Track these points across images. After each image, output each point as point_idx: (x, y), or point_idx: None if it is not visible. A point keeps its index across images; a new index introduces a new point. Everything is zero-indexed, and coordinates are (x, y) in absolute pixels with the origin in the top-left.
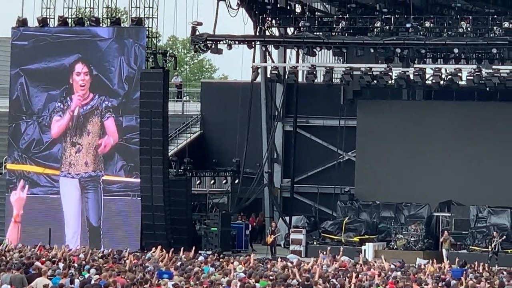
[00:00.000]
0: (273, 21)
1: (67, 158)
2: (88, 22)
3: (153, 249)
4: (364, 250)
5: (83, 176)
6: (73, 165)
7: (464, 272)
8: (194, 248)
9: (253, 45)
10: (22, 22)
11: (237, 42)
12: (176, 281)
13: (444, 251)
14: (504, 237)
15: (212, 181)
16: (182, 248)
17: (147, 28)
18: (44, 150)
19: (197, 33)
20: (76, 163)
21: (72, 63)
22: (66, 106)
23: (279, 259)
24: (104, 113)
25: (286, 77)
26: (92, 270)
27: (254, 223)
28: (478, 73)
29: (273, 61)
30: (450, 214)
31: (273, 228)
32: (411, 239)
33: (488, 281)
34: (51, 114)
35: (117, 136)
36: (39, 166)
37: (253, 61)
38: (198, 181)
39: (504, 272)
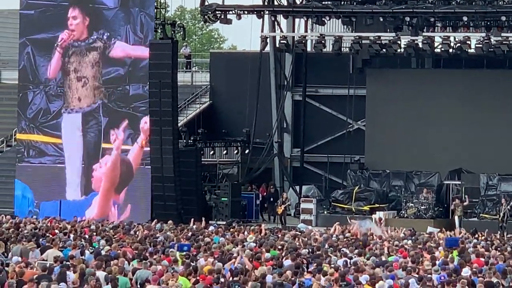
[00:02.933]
0: None
1: (74, 94)
2: None
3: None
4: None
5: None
6: (81, 99)
7: (460, 240)
8: (204, 218)
9: (262, 15)
10: None
11: (246, 12)
12: None
13: (456, 218)
14: None
15: (225, 152)
16: (192, 219)
17: None
18: (51, 120)
19: (206, 3)
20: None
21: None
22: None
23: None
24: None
25: (295, 46)
26: (102, 242)
27: (265, 193)
28: (487, 41)
29: (282, 31)
30: (460, 182)
31: (283, 199)
32: (422, 207)
33: (499, 248)
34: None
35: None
36: (47, 135)
37: (262, 31)
38: (212, 152)
39: None
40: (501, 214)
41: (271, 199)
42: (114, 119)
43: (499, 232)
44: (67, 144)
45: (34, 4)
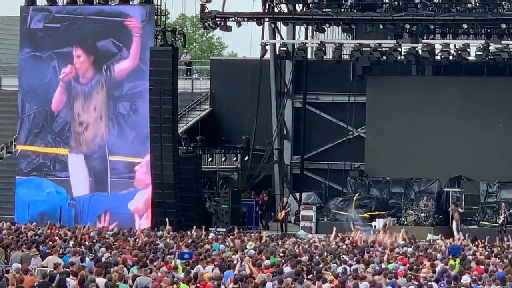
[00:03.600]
0: None
1: (78, 136)
2: (97, 0)
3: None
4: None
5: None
6: (81, 143)
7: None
8: (204, 226)
9: (262, 22)
10: (31, 1)
11: (246, 19)
12: None
13: (454, 223)
14: None
15: (224, 158)
16: (194, 227)
17: (156, 6)
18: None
19: (206, 10)
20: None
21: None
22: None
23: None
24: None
25: (295, 53)
26: (102, 249)
27: (264, 200)
28: (487, 48)
29: (282, 38)
30: (460, 190)
31: (283, 204)
32: (421, 214)
33: (499, 256)
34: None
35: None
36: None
37: (262, 38)
38: (210, 159)
39: None
40: (501, 219)
41: (264, 207)
42: None
43: (498, 237)
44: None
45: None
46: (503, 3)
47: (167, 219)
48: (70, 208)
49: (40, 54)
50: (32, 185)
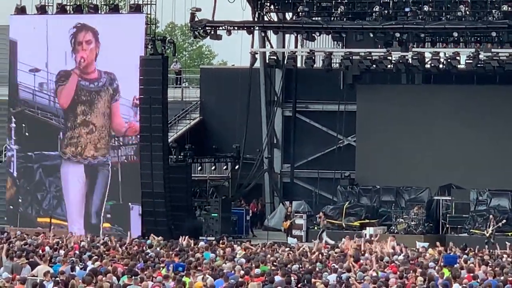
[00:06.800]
0: (272, 6)
1: (75, 138)
2: (86, 9)
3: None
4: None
5: (91, 161)
6: (81, 147)
7: (459, 258)
8: (194, 234)
9: (252, 31)
10: (21, 10)
11: (236, 28)
12: None
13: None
14: (504, 220)
15: (213, 167)
16: (187, 237)
17: (146, 15)
18: None
19: (196, 19)
20: (86, 145)
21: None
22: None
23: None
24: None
25: (285, 62)
26: (94, 257)
27: (255, 209)
28: (477, 56)
29: (272, 47)
30: (450, 198)
31: (288, 213)
32: (412, 223)
33: (489, 264)
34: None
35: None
36: None
37: (252, 47)
38: (200, 167)
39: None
40: (489, 231)
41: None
42: None
43: (486, 247)
44: None
45: None
46: (493, 11)
47: (156, 228)
48: None
49: None
50: None
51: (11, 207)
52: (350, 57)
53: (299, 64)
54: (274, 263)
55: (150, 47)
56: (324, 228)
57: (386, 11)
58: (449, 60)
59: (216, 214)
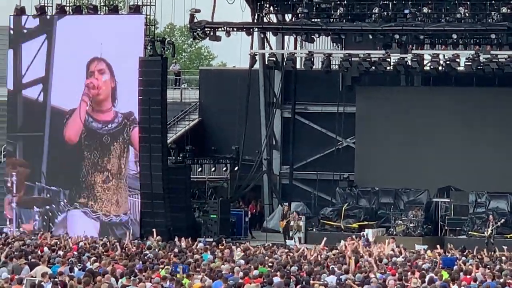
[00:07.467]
0: (271, 8)
1: (91, 188)
2: (86, 10)
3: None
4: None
5: (113, 219)
6: (98, 200)
7: (457, 260)
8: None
9: (251, 32)
10: (20, 11)
11: (235, 29)
12: None
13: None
14: (503, 220)
15: (213, 169)
16: (183, 238)
17: (145, 16)
18: None
19: (195, 20)
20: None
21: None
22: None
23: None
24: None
25: (284, 63)
26: (92, 258)
27: (254, 210)
28: (476, 58)
29: (271, 48)
30: (449, 200)
31: (284, 212)
32: (410, 225)
33: (488, 266)
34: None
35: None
36: None
37: (251, 48)
38: (199, 169)
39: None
40: (489, 231)
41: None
42: None
43: (485, 249)
44: None
45: None
46: (493, 13)
47: (154, 230)
48: None
49: None
50: None
51: None
52: (349, 59)
53: (298, 66)
54: (269, 264)
55: (149, 48)
56: (295, 231)
57: (385, 13)
58: (448, 62)
59: (215, 216)
